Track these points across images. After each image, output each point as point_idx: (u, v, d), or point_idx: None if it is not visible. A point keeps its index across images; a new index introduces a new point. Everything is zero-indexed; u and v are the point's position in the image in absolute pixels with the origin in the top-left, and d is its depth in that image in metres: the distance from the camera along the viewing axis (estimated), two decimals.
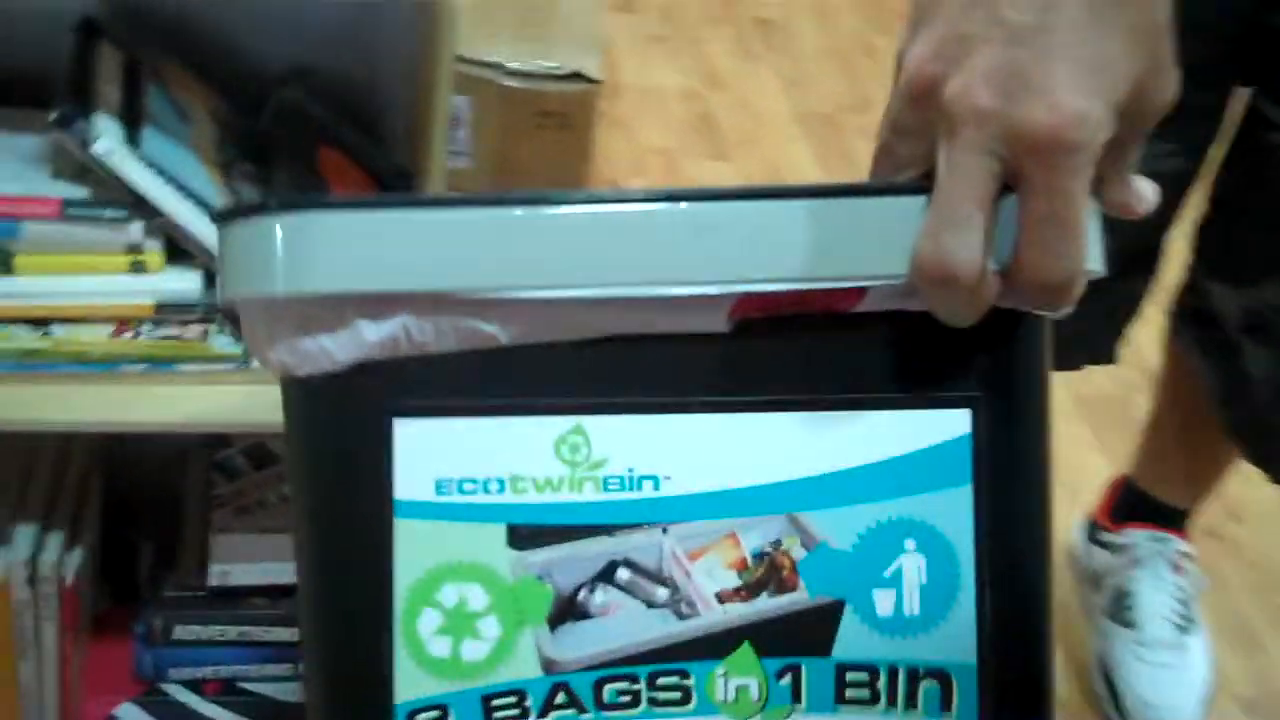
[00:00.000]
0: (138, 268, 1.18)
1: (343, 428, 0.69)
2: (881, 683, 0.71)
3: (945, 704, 0.72)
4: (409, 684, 0.70)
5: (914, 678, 0.71)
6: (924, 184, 0.66)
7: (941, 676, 0.71)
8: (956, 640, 0.71)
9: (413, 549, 0.69)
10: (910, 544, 0.71)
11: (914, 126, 0.67)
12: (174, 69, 1.28)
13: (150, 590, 1.47)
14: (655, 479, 0.70)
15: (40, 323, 1.15)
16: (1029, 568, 0.73)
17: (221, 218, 0.70)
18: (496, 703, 0.70)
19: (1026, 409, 0.73)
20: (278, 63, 1.34)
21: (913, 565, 0.71)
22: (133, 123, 1.14)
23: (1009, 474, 0.72)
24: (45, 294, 1.13)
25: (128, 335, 1.19)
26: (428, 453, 0.69)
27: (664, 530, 0.71)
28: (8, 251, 1.11)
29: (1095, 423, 2.24)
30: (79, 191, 1.14)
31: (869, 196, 0.68)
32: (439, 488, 0.70)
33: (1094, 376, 1.80)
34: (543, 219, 0.68)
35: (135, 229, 1.16)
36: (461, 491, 0.70)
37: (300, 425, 0.70)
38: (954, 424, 0.71)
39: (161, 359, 1.19)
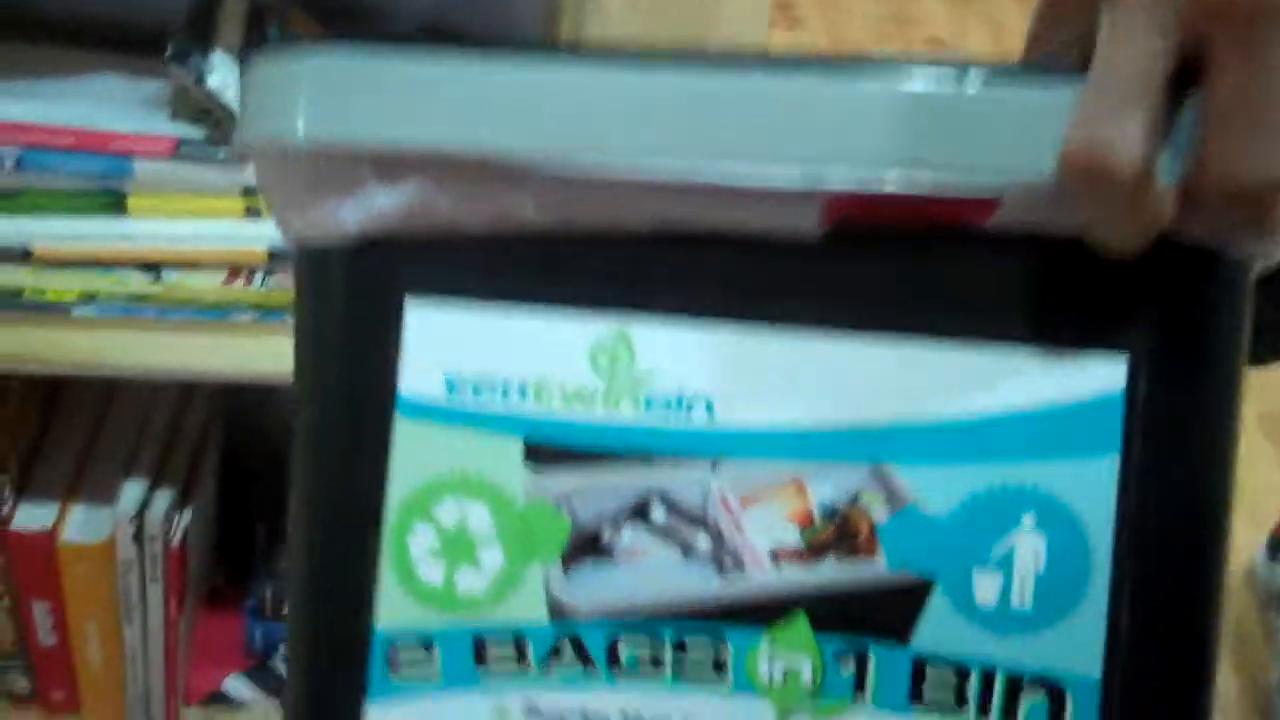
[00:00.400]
0: (252, 213, 1.10)
1: (349, 306, 0.58)
2: (972, 686, 0.56)
3: None
4: (392, 609, 0.58)
5: (1015, 686, 0.56)
6: (1081, 69, 0.50)
7: (1053, 689, 0.56)
8: (1077, 647, 0.56)
9: (413, 454, 0.58)
10: (1028, 520, 0.56)
11: (1072, 3, 0.51)
12: (300, 15, 1.19)
13: (264, 563, 1.42)
14: (709, 403, 0.56)
15: (151, 267, 1.09)
16: (1191, 568, 0.56)
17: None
18: (492, 647, 0.58)
19: (1207, 371, 0.56)
20: (409, 20, 1.24)
21: (1029, 547, 0.56)
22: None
23: (1174, 448, 0.55)
24: (157, 236, 1.08)
25: (240, 283, 1.12)
26: (442, 344, 0.57)
27: (713, 466, 0.57)
28: (120, 192, 1.05)
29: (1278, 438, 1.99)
30: (195, 133, 1.08)
31: (1011, 80, 0.52)
32: (450, 386, 0.57)
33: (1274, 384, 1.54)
34: (596, 78, 0.54)
35: (250, 172, 1.08)
36: (476, 394, 0.57)
37: (305, 300, 0.59)
38: (1104, 377, 0.55)
39: (274, 308, 1.12)
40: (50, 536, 1.17)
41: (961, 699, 0.56)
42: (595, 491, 0.57)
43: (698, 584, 0.57)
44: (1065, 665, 0.56)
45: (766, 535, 0.57)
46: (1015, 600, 0.56)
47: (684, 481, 0.57)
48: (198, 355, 1.09)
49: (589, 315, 0.57)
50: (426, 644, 0.58)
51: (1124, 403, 0.55)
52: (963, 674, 0.56)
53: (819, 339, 0.56)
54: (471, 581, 0.58)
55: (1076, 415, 0.55)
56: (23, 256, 1.05)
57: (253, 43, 1.10)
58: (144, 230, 1.08)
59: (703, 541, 0.57)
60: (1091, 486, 0.55)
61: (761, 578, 0.57)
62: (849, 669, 0.57)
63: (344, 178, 0.56)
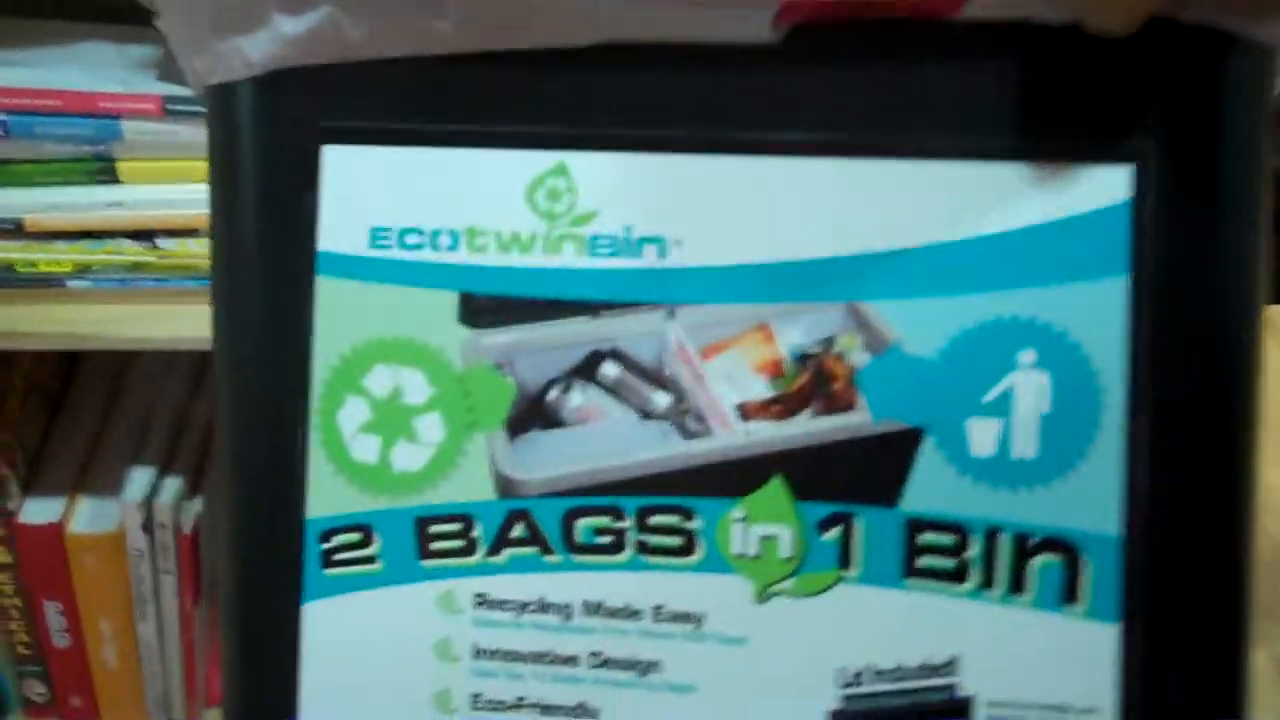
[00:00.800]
0: None
1: (259, 153, 0.52)
2: (973, 550, 0.49)
3: (1069, 589, 0.49)
4: (325, 495, 0.52)
5: (1023, 546, 0.49)
6: None
7: (1066, 549, 0.49)
8: (1092, 500, 0.48)
9: (337, 317, 0.52)
10: (1028, 356, 0.48)
11: None
12: None
13: None
14: (661, 242, 0.50)
15: (145, 234, 1.05)
16: (1216, 402, 0.49)
17: None
18: (434, 528, 0.52)
19: (1224, 177, 0.48)
20: None
21: (1030, 387, 0.49)
22: None
23: (1189, 266, 0.48)
24: (150, 203, 1.04)
25: None
26: (363, 192, 0.52)
27: (670, 313, 0.50)
28: (110, 157, 1.01)
29: None
30: (183, 91, 1.02)
31: None
32: (374, 238, 0.52)
33: None
34: None
35: None
36: (403, 245, 0.51)
37: (213, 151, 0.54)
38: (1106, 187, 0.48)
39: None
40: (59, 528, 1.13)
41: (962, 568, 0.49)
42: (539, 349, 0.51)
43: (659, 448, 0.51)
44: (1079, 521, 0.48)
45: (732, 389, 0.50)
46: (1017, 449, 0.49)
47: (637, 333, 0.51)
48: (198, 323, 1.03)
49: (524, 150, 0.51)
50: (364, 531, 0.52)
51: (1130, 216, 0.48)
52: (962, 536, 0.49)
53: (781, 162, 0.49)
54: (409, 458, 0.52)
55: (1077, 233, 0.48)
56: (14, 230, 1.02)
57: None
58: (136, 196, 1.03)
59: (661, 400, 0.51)
60: (1098, 314, 0.48)
61: (729, 439, 0.50)
62: (833, 537, 0.50)
63: (247, 7, 0.51)
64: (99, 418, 1.21)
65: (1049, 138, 0.48)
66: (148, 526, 1.14)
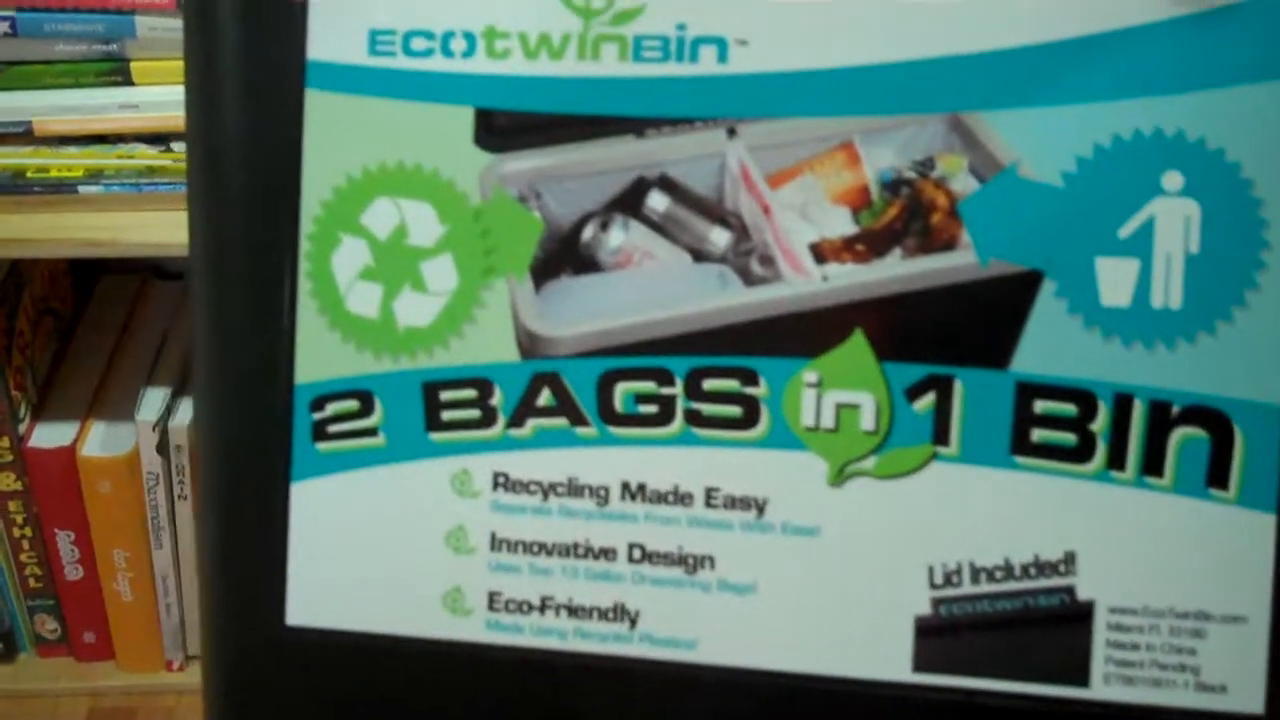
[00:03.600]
0: None
1: None
2: (1100, 421, 0.40)
3: (1218, 470, 0.39)
4: (317, 356, 0.44)
5: (1162, 417, 0.40)
6: None
7: (1216, 420, 0.39)
8: (1249, 360, 0.39)
9: (331, 140, 0.43)
10: (1174, 180, 0.39)
11: None
12: None
13: None
14: (722, 43, 0.41)
15: (160, 138, 0.98)
16: None
17: None
18: (446, 395, 0.43)
19: None
20: None
21: (1176, 218, 0.39)
22: None
23: None
24: (164, 104, 0.98)
25: None
26: None
27: (730, 132, 0.41)
28: (123, 56, 0.96)
29: None
30: None
31: None
32: (374, 43, 0.43)
33: None
34: None
35: None
36: (409, 52, 0.43)
37: None
38: None
39: None
40: (70, 452, 1.07)
41: (1086, 443, 0.40)
42: (573, 177, 0.42)
43: (716, 297, 0.42)
44: (1233, 387, 0.39)
45: (806, 224, 0.41)
46: (1158, 296, 0.39)
47: (691, 155, 0.42)
48: None
49: None
50: (362, 397, 0.43)
51: None
52: (1087, 405, 0.40)
53: None
54: (416, 310, 0.43)
55: (1240, 23, 0.39)
56: (23, 134, 0.96)
57: None
58: (150, 98, 0.96)
59: (719, 237, 0.42)
60: (1265, 126, 0.39)
61: (802, 285, 0.41)
62: (927, 406, 0.41)
63: None
64: (112, 342, 1.15)
65: None
66: (163, 448, 1.07)
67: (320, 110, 0.43)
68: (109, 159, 0.97)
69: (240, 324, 0.45)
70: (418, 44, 0.43)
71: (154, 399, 1.11)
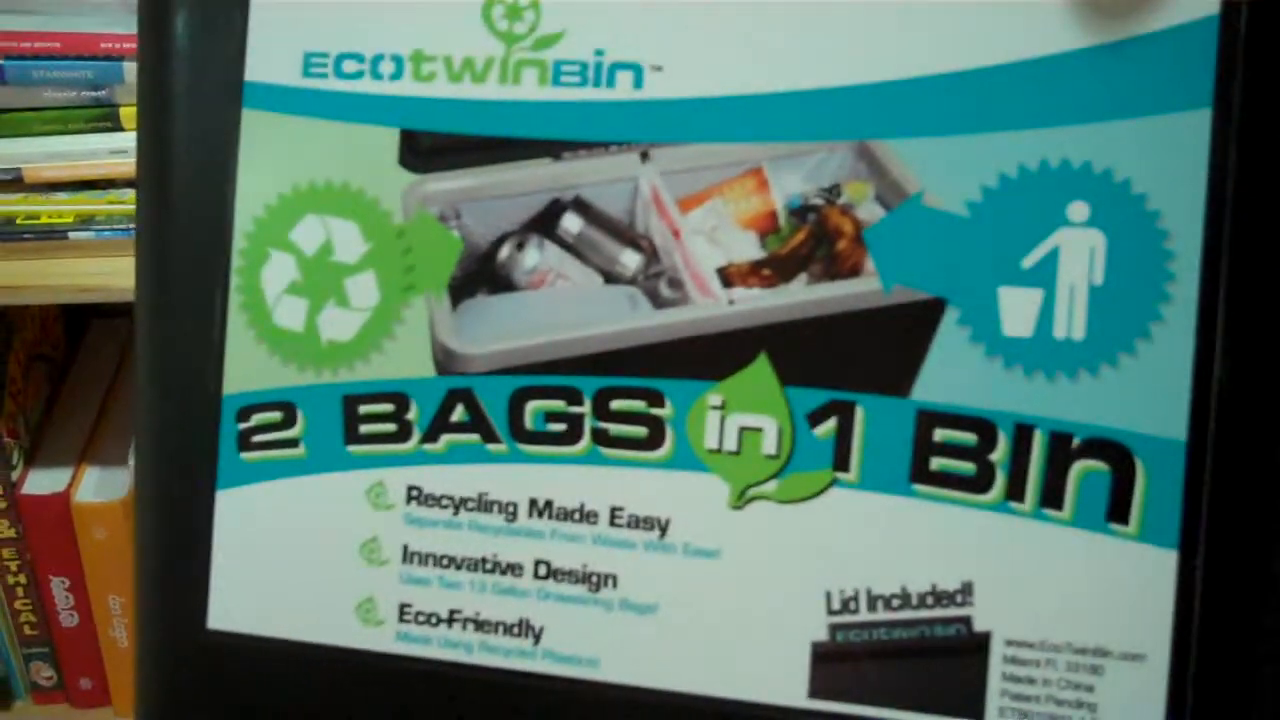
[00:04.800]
0: None
1: None
2: (1000, 452, 0.39)
3: (1118, 504, 0.39)
4: (244, 368, 0.45)
5: (1062, 449, 0.39)
6: None
7: (1115, 453, 0.39)
8: (1151, 393, 0.39)
9: (264, 158, 0.44)
10: (1079, 210, 0.39)
11: None
12: None
13: None
14: (637, 69, 0.42)
15: None
16: None
17: None
18: (365, 408, 0.44)
19: None
20: None
21: (1080, 249, 0.39)
22: None
23: None
24: None
25: None
26: (298, 12, 0.44)
27: (643, 155, 0.42)
28: (112, 102, 0.96)
29: None
30: None
31: None
32: (308, 66, 0.44)
33: None
34: None
35: None
36: (340, 74, 0.44)
37: None
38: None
39: None
40: (64, 498, 1.05)
41: (985, 473, 0.40)
42: (491, 198, 0.43)
43: (625, 319, 0.42)
44: (1135, 421, 0.39)
45: (715, 249, 0.42)
46: (1061, 327, 0.39)
47: (605, 178, 0.42)
48: None
49: None
50: (286, 409, 0.44)
51: (1219, 35, 0.38)
52: (986, 434, 0.39)
53: None
54: (339, 325, 0.44)
55: (1149, 56, 0.38)
56: (12, 181, 0.96)
57: None
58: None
59: (630, 259, 0.42)
60: (1171, 158, 0.38)
61: (709, 308, 0.41)
62: (828, 432, 0.41)
63: None
64: (105, 387, 1.15)
65: None
66: None
67: (255, 129, 0.44)
68: (99, 204, 0.97)
69: (174, 335, 0.46)
70: (349, 66, 0.44)
71: None
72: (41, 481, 1.07)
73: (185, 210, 0.45)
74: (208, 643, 0.45)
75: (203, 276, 0.45)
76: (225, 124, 0.44)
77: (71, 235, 0.95)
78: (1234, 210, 0.38)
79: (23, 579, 1.09)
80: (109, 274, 0.95)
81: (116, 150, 0.96)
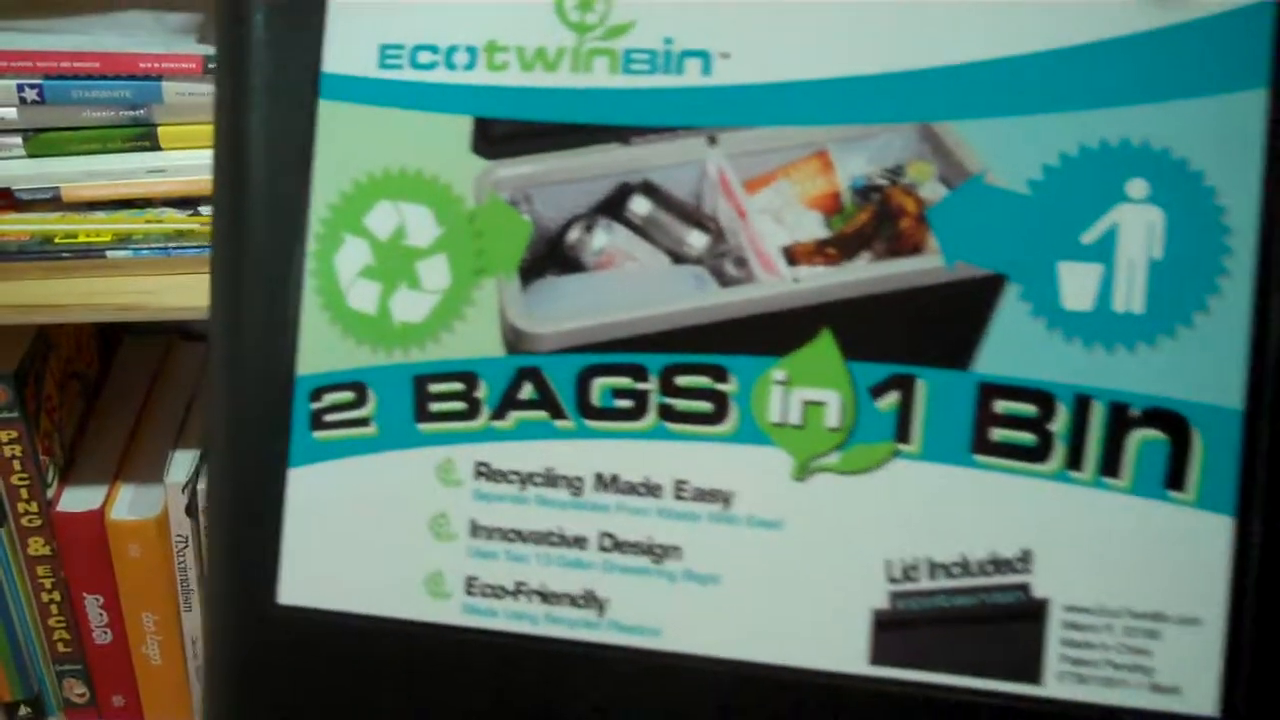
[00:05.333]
0: None
1: None
2: (1059, 422, 0.40)
3: (1175, 472, 0.40)
4: (318, 349, 0.46)
5: (1120, 419, 0.40)
6: None
7: (1174, 423, 0.40)
8: (1209, 366, 0.40)
9: (340, 147, 0.46)
10: (1138, 188, 0.40)
11: None
12: None
13: None
14: (705, 56, 0.43)
15: (187, 202, 0.99)
16: None
17: None
18: (435, 387, 0.45)
19: None
20: None
21: (1139, 225, 0.40)
22: None
23: None
24: (192, 168, 0.97)
25: None
26: (372, 6, 0.46)
27: (710, 140, 0.43)
28: (150, 121, 0.96)
29: None
30: None
31: None
32: (384, 58, 0.46)
33: None
34: None
35: None
36: (415, 65, 0.45)
37: None
38: None
39: None
40: (99, 515, 1.05)
41: (1045, 443, 0.41)
42: (561, 182, 0.44)
43: (691, 297, 0.43)
44: (1192, 391, 0.40)
45: (780, 228, 0.43)
46: (1120, 301, 0.40)
47: (673, 162, 0.44)
48: None
49: None
50: (358, 389, 0.46)
51: (1275, 14, 0.39)
52: (1047, 405, 0.40)
53: None
54: (410, 307, 0.45)
55: (1206, 36, 0.40)
56: (51, 200, 0.96)
57: None
58: (177, 162, 0.97)
59: (697, 240, 0.44)
60: (1228, 136, 0.40)
61: (774, 286, 0.43)
62: (890, 405, 0.42)
63: None
64: (139, 404, 1.15)
65: None
66: (191, 510, 1.08)
67: (331, 118, 0.46)
68: (137, 224, 0.98)
69: (250, 317, 0.47)
70: (424, 57, 0.45)
71: (182, 461, 1.10)
72: (76, 499, 1.07)
73: (262, 198, 0.47)
74: (278, 617, 0.46)
75: (279, 261, 0.46)
76: (303, 115, 0.46)
77: (109, 254, 0.96)
78: None
79: (57, 596, 1.10)
80: (147, 292, 0.95)
81: (154, 169, 0.97)
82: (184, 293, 0.96)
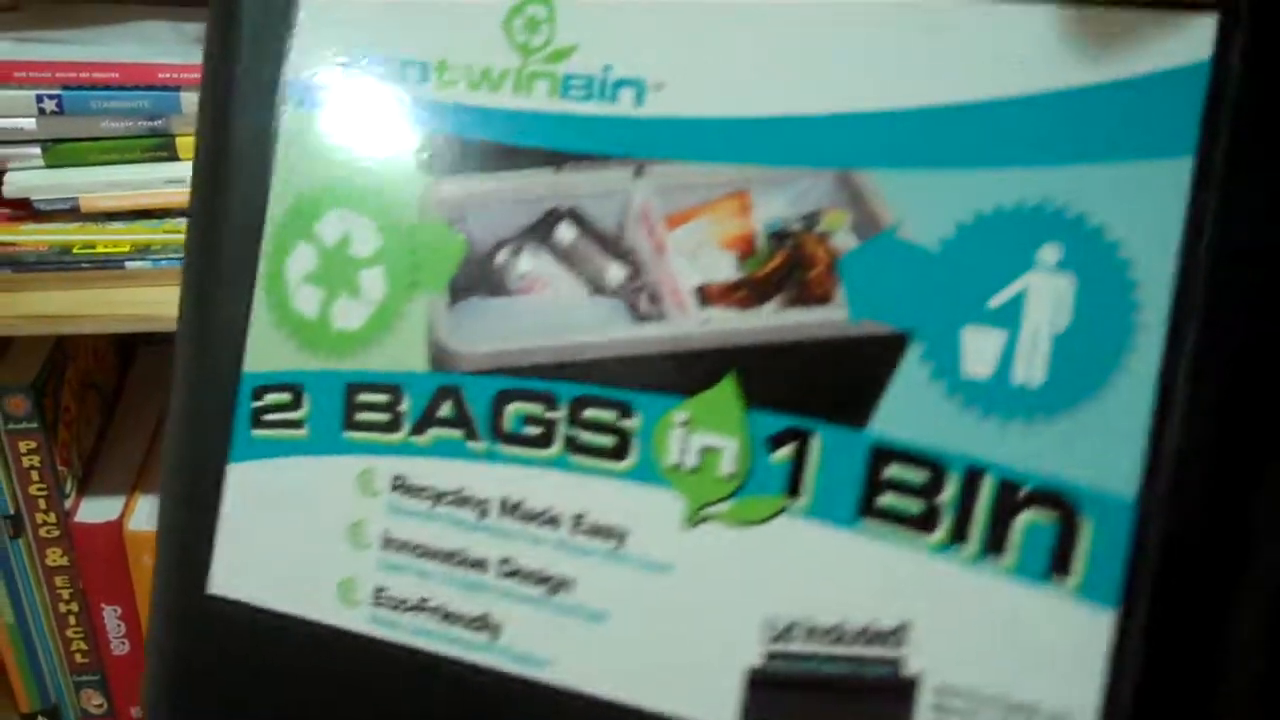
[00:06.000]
0: None
1: None
2: (948, 493, 0.39)
3: (1060, 557, 0.38)
4: (264, 349, 0.47)
5: (1009, 496, 0.38)
6: None
7: (1061, 505, 0.38)
8: (1104, 447, 0.37)
9: (299, 154, 0.47)
10: (1050, 253, 0.38)
11: None
12: None
13: None
14: (640, 85, 0.43)
15: None
16: None
17: None
18: (363, 397, 0.46)
19: None
20: None
21: (1047, 293, 0.38)
22: None
23: (1277, 157, 0.37)
24: None
25: None
26: (338, 16, 0.47)
27: (637, 171, 0.43)
28: (169, 132, 0.95)
29: None
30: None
31: None
32: (345, 70, 0.46)
33: None
34: None
35: None
36: (371, 77, 0.46)
37: None
38: (1178, 41, 0.37)
39: None
40: (117, 526, 1.05)
41: (930, 513, 0.39)
42: (495, 203, 0.44)
43: (604, 329, 0.43)
44: (1085, 474, 0.37)
45: (695, 267, 0.42)
46: (1020, 372, 0.38)
47: (600, 191, 0.43)
48: None
49: None
50: (294, 391, 0.47)
51: (1207, 82, 0.37)
52: (937, 474, 0.39)
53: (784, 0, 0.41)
54: (349, 315, 0.46)
55: (1136, 97, 0.37)
56: (69, 211, 0.96)
57: None
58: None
59: (616, 272, 0.43)
60: (1148, 206, 0.37)
61: (684, 325, 0.42)
62: (784, 458, 0.40)
63: None
64: (155, 414, 1.16)
65: None
66: None
67: (293, 125, 0.47)
68: (155, 234, 0.96)
69: (209, 315, 0.48)
70: (380, 73, 0.46)
71: None
72: (94, 510, 1.06)
73: (225, 199, 0.48)
74: (207, 607, 0.48)
75: (236, 262, 0.48)
76: (265, 118, 0.47)
77: (128, 264, 0.94)
78: (1207, 264, 0.36)
79: (75, 607, 1.09)
80: (166, 303, 0.93)
81: (173, 180, 0.95)
82: None
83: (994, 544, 0.38)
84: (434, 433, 0.45)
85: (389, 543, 0.45)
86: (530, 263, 0.44)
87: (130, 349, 1.20)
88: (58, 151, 0.95)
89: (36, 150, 0.94)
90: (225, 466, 0.48)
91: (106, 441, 1.13)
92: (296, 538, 0.46)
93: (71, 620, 1.09)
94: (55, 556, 1.06)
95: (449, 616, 0.44)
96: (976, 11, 0.39)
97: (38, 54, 0.93)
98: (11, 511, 1.04)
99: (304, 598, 0.46)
